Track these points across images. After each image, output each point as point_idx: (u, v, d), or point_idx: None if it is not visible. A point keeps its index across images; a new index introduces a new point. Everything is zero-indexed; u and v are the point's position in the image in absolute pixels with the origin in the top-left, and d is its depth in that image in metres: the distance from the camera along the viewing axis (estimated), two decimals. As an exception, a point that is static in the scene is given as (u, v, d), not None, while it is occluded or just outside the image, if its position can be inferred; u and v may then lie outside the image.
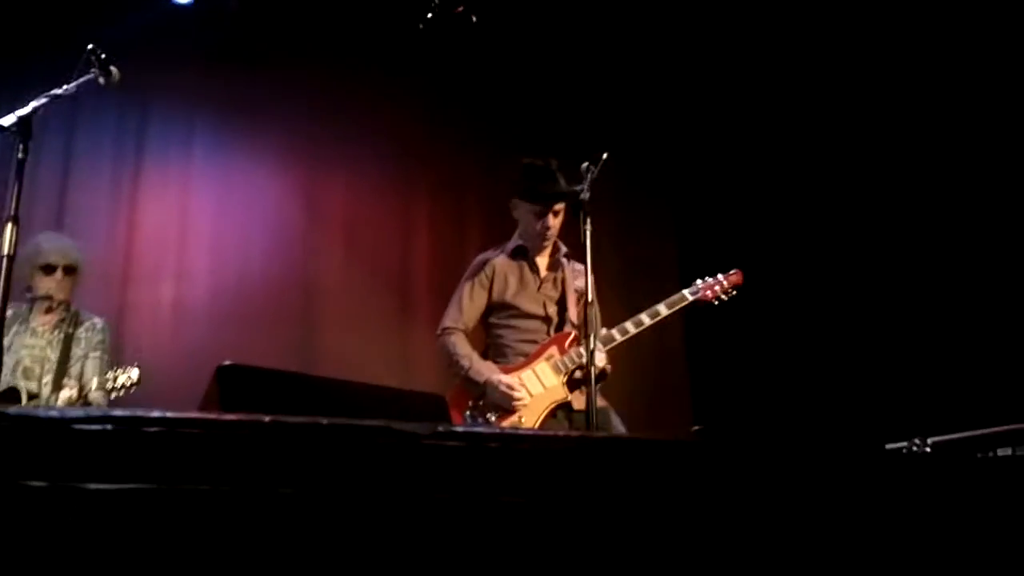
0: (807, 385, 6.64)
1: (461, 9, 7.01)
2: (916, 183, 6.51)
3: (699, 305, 4.82)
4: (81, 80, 3.86)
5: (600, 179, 4.25)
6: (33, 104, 3.68)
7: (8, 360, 4.80)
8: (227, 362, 2.53)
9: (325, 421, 1.63)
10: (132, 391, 4.73)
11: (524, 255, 4.88)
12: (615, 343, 4.60)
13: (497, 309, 4.80)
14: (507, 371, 4.57)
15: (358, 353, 6.94)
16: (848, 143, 6.91)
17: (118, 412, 1.53)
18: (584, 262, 4.13)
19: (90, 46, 3.90)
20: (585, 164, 4.29)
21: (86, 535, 1.43)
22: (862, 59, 6.79)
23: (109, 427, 1.51)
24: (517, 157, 7.38)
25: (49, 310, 5.01)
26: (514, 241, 4.93)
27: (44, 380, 4.84)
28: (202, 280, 6.93)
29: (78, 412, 1.54)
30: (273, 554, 1.51)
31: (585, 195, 4.18)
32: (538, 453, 1.71)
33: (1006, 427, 4.68)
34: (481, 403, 4.52)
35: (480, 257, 4.97)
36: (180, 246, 6.98)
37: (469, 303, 4.81)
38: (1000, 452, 4.61)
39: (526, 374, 4.55)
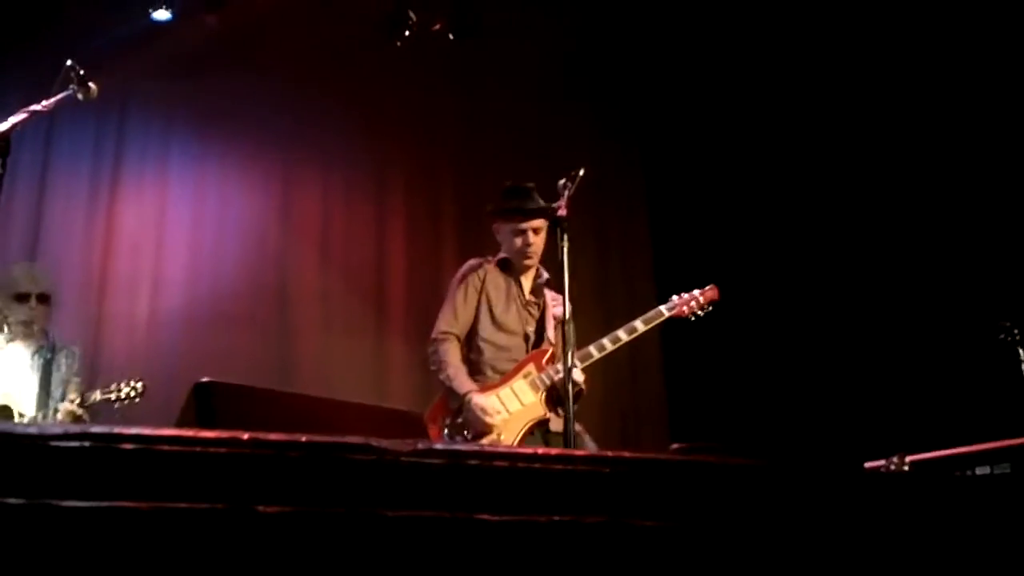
0: (785, 401, 6.66)
1: (439, 27, 7.05)
2: (895, 199, 6.56)
3: (676, 319, 4.84)
4: (60, 96, 3.85)
5: (576, 195, 4.26)
6: (12, 120, 3.66)
7: None
8: (204, 379, 2.53)
9: (304, 438, 1.63)
10: (136, 402, 4.77)
11: (509, 271, 4.89)
12: (592, 359, 4.61)
13: (481, 320, 4.80)
14: (485, 389, 4.57)
15: (333, 361, 6.98)
16: (827, 157, 6.95)
17: (95, 429, 1.52)
18: (561, 277, 4.12)
19: (69, 62, 3.89)
20: (562, 180, 4.29)
21: (62, 553, 1.42)
22: (841, 75, 6.83)
23: (87, 444, 1.51)
24: (493, 166, 7.50)
25: (28, 336, 5.07)
26: (500, 255, 4.95)
27: (28, 402, 4.88)
28: (178, 289, 6.92)
29: (56, 429, 1.53)
30: (250, 572, 1.51)
31: (562, 212, 4.17)
32: (517, 471, 1.71)
33: (984, 445, 4.70)
34: (459, 421, 4.52)
35: (470, 263, 4.98)
36: (157, 256, 6.97)
37: (463, 307, 4.82)
38: (978, 471, 4.63)
39: (504, 392, 4.55)
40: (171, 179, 7.21)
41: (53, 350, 5.11)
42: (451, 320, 4.80)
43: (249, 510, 1.53)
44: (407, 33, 6.86)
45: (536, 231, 4.77)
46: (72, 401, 4.79)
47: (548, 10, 7.53)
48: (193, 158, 7.27)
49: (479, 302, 4.81)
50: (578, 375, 4.42)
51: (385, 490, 1.63)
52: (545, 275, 4.93)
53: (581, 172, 4.22)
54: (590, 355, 4.60)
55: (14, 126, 3.64)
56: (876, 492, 1.95)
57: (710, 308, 4.90)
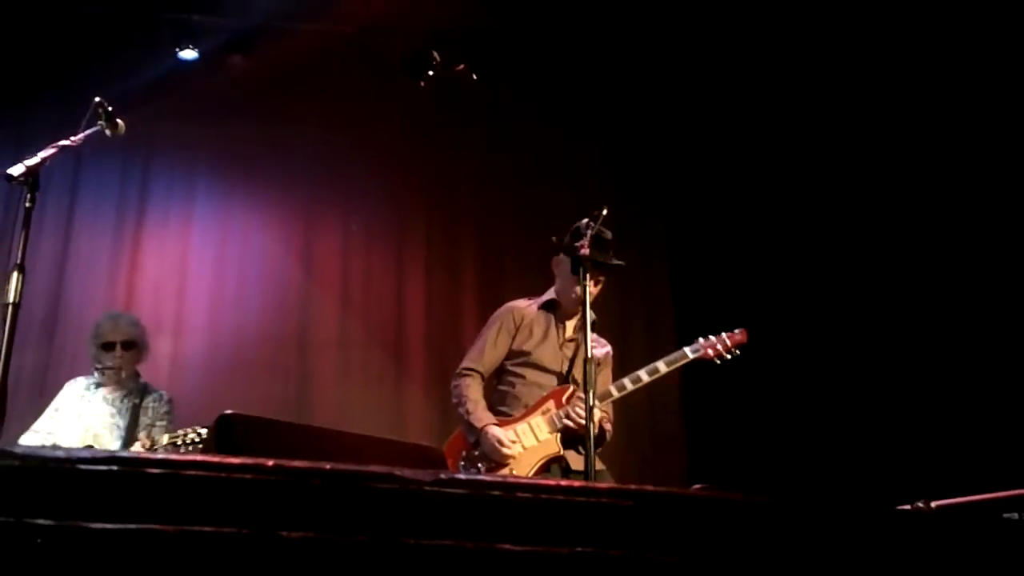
0: (804, 445, 6.61)
1: (462, 68, 7.11)
2: (920, 239, 6.53)
3: (701, 362, 4.76)
4: (88, 131, 3.89)
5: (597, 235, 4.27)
6: (41, 155, 3.69)
7: (79, 425, 5.09)
8: (227, 411, 2.54)
9: (328, 466, 1.64)
10: (200, 448, 4.85)
11: (554, 310, 4.86)
12: (612, 399, 4.58)
13: (514, 356, 4.78)
14: (504, 423, 4.55)
15: (352, 408, 6.95)
16: (850, 193, 6.92)
17: (123, 454, 1.54)
18: (584, 316, 4.10)
19: (97, 99, 3.93)
20: (584, 220, 4.30)
21: (90, 574, 1.43)
22: (864, 121, 6.84)
23: (114, 468, 1.52)
24: (514, 215, 7.51)
25: (117, 381, 5.24)
26: (548, 295, 4.89)
27: (114, 446, 5.03)
28: (200, 333, 6.94)
29: (83, 453, 1.55)
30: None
31: (584, 251, 4.17)
32: (540, 502, 1.71)
33: (1012, 492, 4.63)
34: (476, 453, 4.51)
35: (509, 304, 4.93)
36: (179, 298, 7.01)
37: (492, 349, 4.78)
38: (1006, 516, 4.54)
39: (521, 427, 4.54)
40: (195, 221, 7.26)
41: (143, 395, 5.29)
42: (477, 357, 4.78)
43: (273, 535, 1.54)
44: (431, 73, 6.91)
45: (599, 283, 4.69)
46: (141, 444, 4.90)
47: (568, 58, 7.58)
48: (217, 200, 7.33)
49: (512, 340, 4.78)
50: (598, 415, 4.40)
51: (407, 519, 1.64)
52: (594, 316, 4.80)
53: (604, 212, 4.23)
54: (610, 394, 4.57)
55: (43, 160, 3.68)
56: (909, 532, 1.94)
57: (738, 352, 4.80)
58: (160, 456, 1.49)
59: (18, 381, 6.07)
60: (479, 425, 4.54)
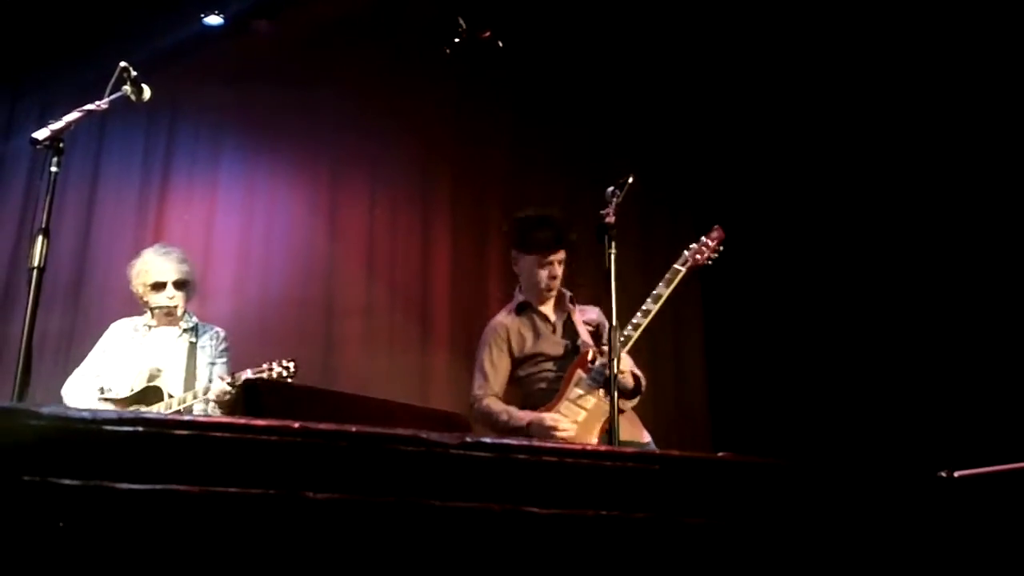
0: (829, 413, 6.59)
1: (488, 34, 7.06)
2: (950, 211, 6.47)
3: (694, 271, 4.75)
4: (114, 96, 3.88)
5: (623, 204, 4.23)
6: (66, 119, 3.69)
7: (132, 367, 4.94)
8: (253, 377, 2.54)
9: (354, 428, 1.63)
10: (290, 382, 4.71)
11: (529, 310, 4.82)
12: (633, 340, 4.51)
13: (522, 363, 4.72)
14: (547, 410, 4.50)
15: (377, 373, 6.93)
16: (878, 170, 6.87)
17: (149, 415, 1.54)
18: (609, 284, 4.08)
19: (122, 64, 3.92)
20: (610, 188, 4.25)
21: (116, 533, 1.43)
22: (889, 122, 6.77)
23: (140, 429, 1.52)
24: (539, 181, 7.48)
25: (171, 321, 5.09)
26: (517, 299, 4.86)
27: (176, 384, 4.90)
28: (225, 297, 6.92)
29: (110, 414, 1.55)
30: (300, 557, 1.51)
31: (610, 219, 4.14)
32: (566, 466, 1.71)
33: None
34: None
35: (491, 324, 4.87)
36: (204, 263, 6.98)
37: (492, 370, 4.70)
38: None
39: (563, 406, 4.46)
40: (220, 186, 7.24)
41: (197, 332, 5.13)
42: (482, 383, 4.69)
43: (299, 497, 1.54)
44: (456, 40, 6.86)
45: (561, 262, 4.69)
46: (222, 379, 4.75)
47: (597, 27, 7.52)
48: (242, 164, 7.30)
49: (511, 354, 4.72)
50: (627, 363, 4.41)
51: (433, 481, 1.63)
52: (568, 293, 4.84)
53: (630, 180, 4.18)
54: (629, 337, 4.50)
55: (68, 124, 3.68)
56: (935, 499, 1.93)
57: (721, 248, 4.75)
58: (186, 418, 1.48)
59: (43, 345, 6.07)
60: (524, 422, 4.47)
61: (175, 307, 5.06)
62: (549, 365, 4.69)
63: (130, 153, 7.04)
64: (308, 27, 7.12)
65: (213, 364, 5.05)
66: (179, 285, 5.07)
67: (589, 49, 7.58)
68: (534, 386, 4.68)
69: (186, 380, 4.91)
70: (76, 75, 6.21)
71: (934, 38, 6.43)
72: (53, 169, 3.60)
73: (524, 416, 4.50)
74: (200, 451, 1.54)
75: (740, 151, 7.61)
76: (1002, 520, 2.00)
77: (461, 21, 6.76)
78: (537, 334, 4.74)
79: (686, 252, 4.74)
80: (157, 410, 4.63)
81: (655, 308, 4.56)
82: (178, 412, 4.62)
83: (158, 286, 5.03)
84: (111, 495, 1.46)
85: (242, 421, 1.62)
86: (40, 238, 3.46)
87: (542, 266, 4.68)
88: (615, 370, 3.89)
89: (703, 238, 4.78)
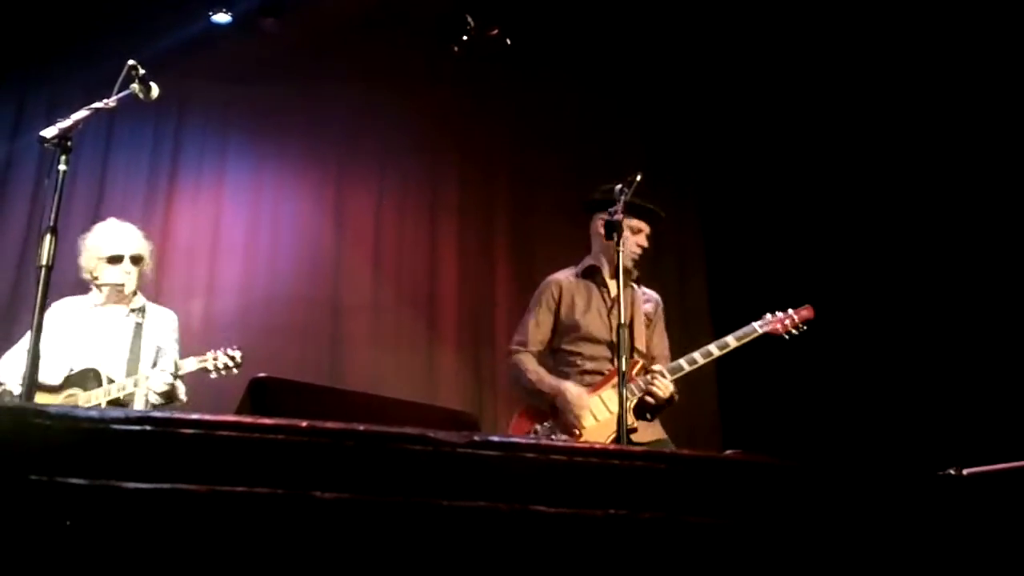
0: (838, 412, 6.57)
1: (496, 32, 7.05)
2: (958, 212, 6.45)
3: (769, 337, 4.71)
4: (122, 94, 3.87)
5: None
6: (74, 117, 3.69)
7: (76, 348, 4.68)
8: (260, 375, 2.54)
9: (362, 427, 1.63)
10: (235, 373, 4.62)
11: (595, 276, 4.79)
12: (683, 372, 4.49)
13: (564, 332, 4.68)
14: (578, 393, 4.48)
15: (384, 371, 6.93)
16: (885, 166, 6.85)
17: (156, 414, 1.54)
18: (617, 283, 4.07)
19: (131, 62, 3.92)
20: (619, 186, 4.24)
21: (123, 532, 1.43)
22: (900, 110, 6.74)
23: (147, 428, 1.52)
24: (546, 180, 7.48)
25: (120, 299, 4.86)
26: (586, 261, 4.83)
27: (117, 367, 4.69)
28: (232, 295, 6.94)
29: (117, 413, 1.55)
30: (308, 557, 1.51)
31: (619, 216, 4.13)
32: (574, 465, 1.70)
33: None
34: (547, 424, 4.42)
35: (548, 278, 4.83)
36: (211, 260, 7.01)
37: (535, 328, 4.69)
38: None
39: (593, 400, 4.46)
40: (227, 183, 7.25)
41: (144, 313, 4.89)
42: (522, 338, 4.69)
43: (306, 496, 1.53)
44: (464, 38, 6.86)
45: (649, 237, 4.68)
46: (163, 371, 4.55)
47: (604, 21, 7.50)
48: (249, 162, 7.31)
49: (557, 316, 4.70)
50: (668, 386, 4.39)
51: (441, 481, 1.63)
52: (636, 273, 4.77)
53: (638, 177, 4.17)
54: (680, 368, 4.46)
55: (77, 123, 3.68)
56: (942, 498, 1.92)
57: (804, 327, 4.75)
58: (194, 416, 1.48)
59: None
60: (554, 387, 4.45)
61: (126, 284, 4.81)
62: (586, 347, 4.62)
63: (138, 151, 7.07)
64: (315, 25, 7.12)
65: (160, 349, 4.83)
66: (136, 260, 4.84)
67: (589, 49, 7.58)
68: (566, 366, 4.63)
69: (129, 363, 4.70)
70: (84, 73, 6.24)
71: (935, 33, 6.42)
72: (61, 167, 3.59)
73: (552, 387, 4.47)
74: (207, 450, 1.54)
75: (749, 145, 7.59)
76: (1012, 517, 1.99)
77: (469, 19, 6.77)
78: (589, 305, 4.70)
79: (769, 315, 4.71)
80: (95, 396, 4.48)
81: (717, 354, 4.55)
82: (116, 400, 4.48)
83: (114, 259, 4.80)
84: (118, 494, 1.46)
85: (249, 420, 1.61)
86: (48, 236, 3.45)
87: (635, 233, 4.63)
88: (623, 366, 3.89)
89: (790, 310, 4.74)
